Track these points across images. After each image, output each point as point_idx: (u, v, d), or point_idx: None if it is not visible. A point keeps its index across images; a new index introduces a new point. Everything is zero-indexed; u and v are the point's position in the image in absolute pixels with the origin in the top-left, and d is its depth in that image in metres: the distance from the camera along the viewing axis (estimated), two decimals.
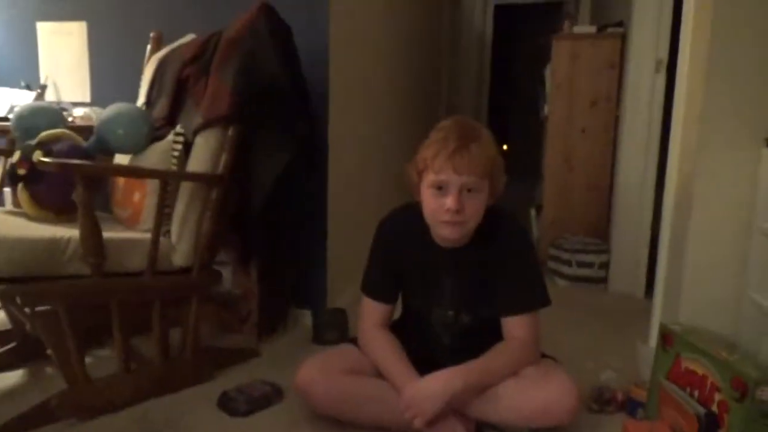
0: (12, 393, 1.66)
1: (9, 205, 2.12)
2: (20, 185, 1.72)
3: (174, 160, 1.77)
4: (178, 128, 1.82)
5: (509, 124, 6.80)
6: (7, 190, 2.23)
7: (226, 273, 2.06)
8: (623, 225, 2.84)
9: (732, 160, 1.54)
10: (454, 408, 1.37)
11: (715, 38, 1.55)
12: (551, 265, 2.98)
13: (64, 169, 1.44)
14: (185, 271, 1.71)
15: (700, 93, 1.60)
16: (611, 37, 3.00)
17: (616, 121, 2.98)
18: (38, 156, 1.62)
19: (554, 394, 1.34)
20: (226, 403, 1.58)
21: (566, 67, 3.08)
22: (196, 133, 1.76)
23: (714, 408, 1.23)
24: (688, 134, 1.73)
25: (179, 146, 1.78)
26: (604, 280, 2.89)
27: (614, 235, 2.89)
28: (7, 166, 1.83)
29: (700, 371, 1.28)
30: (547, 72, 3.30)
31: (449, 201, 1.31)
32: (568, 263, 2.89)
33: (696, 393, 1.29)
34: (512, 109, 6.93)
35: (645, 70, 2.71)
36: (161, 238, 1.60)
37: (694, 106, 1.66)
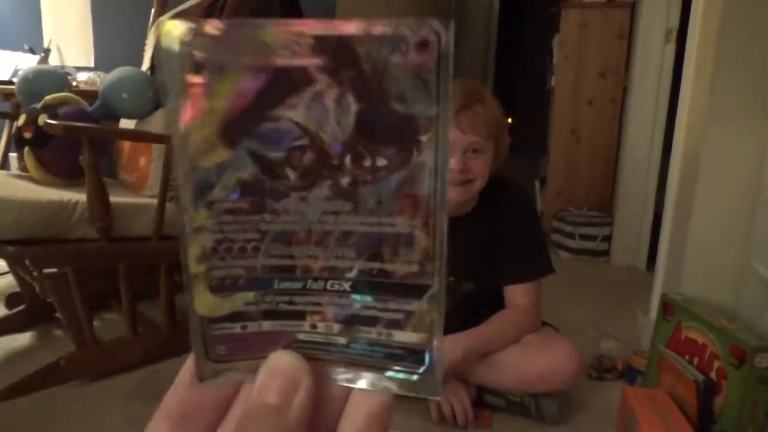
0: (21, 354, 1.69)
1: (15, 169, 2.13)
2: (26, 149, 1.72)
3: None
4: None
5: (515, 97, 6.74)
6: (13, 154, 2.23)
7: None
8: (628, 198, 2.84)
9: (740, 131, 1.53)
10: (456, 374, 1.39)
11: (727, 7, 1.52)
12: (554, 237, 2.99)
13: (71, 132, 1.44)
14: None
15: (711, 63, 1.58)
16: (621, 6, 2.95)
17: (624, 92, 2.95)
18: (44, 119, 1.61)
19: (558, 358, 1.36)
20: None
21: (575, 37, 3.04)
22: None
23: (713, 375, 1.24)
24: (696, 104, 1.71)
25: None
26: (606, 252, 2.90)
27: (618, 207, 2.89)
28: (13, 130, 1.83)
29: (699, 339, 1.30)
30: (555, 42, 3.25)
31: (453, 161, 1.30)
32: (572, 236, 2.90)
33: (695, 360, 1.30)
34: (518, 81, 6.86)
35: (655, 40, 2.67)
36: (167, 203, 1.61)
37: (704, 77, 1.64)
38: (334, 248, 0.20)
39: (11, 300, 1.92)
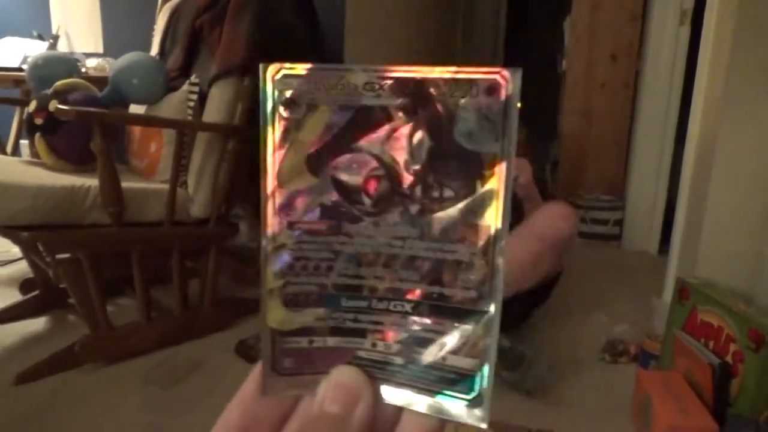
0: (36, 339, 1.71)
1: (26, 155, 2.14)
2: (37, 135, 1.72)
3: (189, 111, 1.76)
4: (193, 78, 1.81)
5: (525, 80, 6.65)
6: (24, 141, 2.24)
7: (242, 227, 2.07)
8: (640, 182, 2.82)
9: (757, 114, 1.51)
10: None
11: None
12: None
13: (83, 117, 1.44)
14: (203, 222, 1.72)
15: (728, 45, 1.55)
16: None
17: (637, 75, 2.91)
18: (55, 105, 1.61)
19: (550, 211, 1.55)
20: (245, 351, 1.62)
21: (586, 19, 2.99)
22: (211, 83, 1.74)
23: (729, 358, 1.23)
24: (712, 87, 1.69)
25: (194, 97, 1.77)
26: (618, 237, 2.88)
27: (630, 191, 2.87)
28: (24, 116, 1.83)
29: (715, 323, 1.29)
30: (567, 25, 3.21)
31: None
32: (583, 220, 2.88)
33: (711, 344, 1.29)
34: (528, 64, 6.77)
35: (669, 22, 2.62)
36: (178, 189, 1.61)
37: (721, 59, 1.61)
38: (400, 271, 0.21)
39: (25, 286, 1.94)
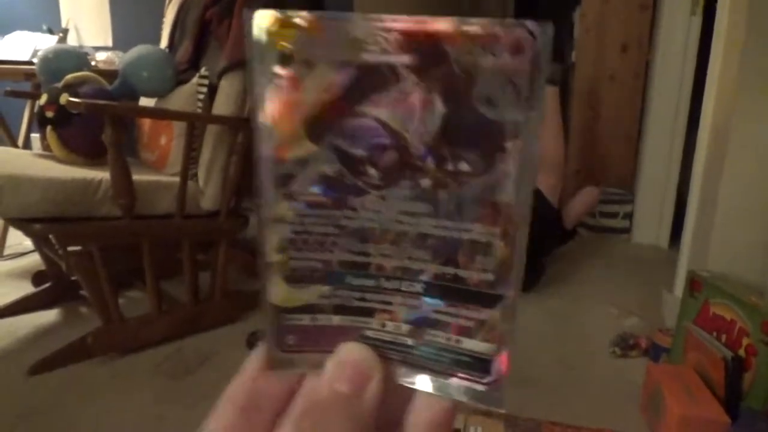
0: (48, 331, 1.72)
1: (37, 149, 2.15)
2: (48, 128, 1.73)
3: (199, 104, 1.76)
4: (203, 71, 1.81)
5: None
6: (35, 135, 2.25)
7: (252, 220, 2.08)
8: (650, 175, 2.80)
9: None
10: None
11: None
12: None
13: (94, 110, 1.44)
14: (213, 215, 1.73)
15: (741, 35, 1.53)
16: None
17: (648, 67, 2.88)
18: (66, 98, 1.62)
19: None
20: (255, 343, 1.63)
21: (596, 10, 2.97)
22: (220, 75, 1.74)
23: (741, 352, 1.23)
24: (725, 78, 1.67)
25: (204, 89, 1.77)
26: (627, 230, 2.86)
27: (640, 185, 2.85)
28: (35, 109, 1.84)
29: (728, 316, 1.28)
30: (576, 16, 3.18)
31: None
32: (592, 214, 2.87)
33: (723, 337, 1.29)
34: None
35: (680, 12, 2.60)
36: (189, 182, 1.61)
37: (734, 49, 1.59)
38: (409, 249, 0.20)
39: (37, 278, 1.95)
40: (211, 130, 1.71)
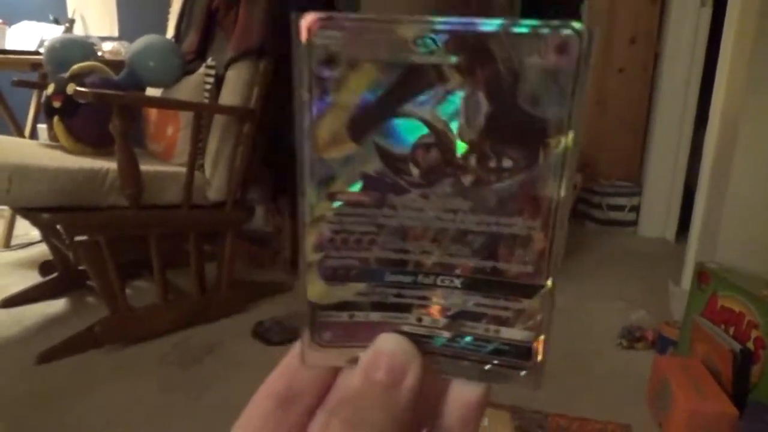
0: (56, 320, 1.73)
1: (44, 139, 2.15)
2: (56, 118, 1.73)
3: (206, 94, 1.76)
4: (210, 61, 1.81)
5: None
6: (42, 126, 2.25)
7: (258, 211, 2.08)
8: (658, 168, 2.78)
9: None
10: None
11: None
12: (581, 208, 2.95)
13: (101, 99, 1.44)
14: (219, 205, 1.73)
15: (753, 27, 1.52)
16: None
17: (656, 59, 2.86)
18: (73, 88, 1.62)
19: None
20: (262, 333, 1.63)
21: (605, 1, 2.94)
22: (227, 66, 1.74)
23: (750, 344, 1.22)
24: (736, 70, 1.65)
25: (211, 79, 1.77)
26: (634, 223, 2.85)
27: (647, 178, 2.83)
28: (42, 99, 1.84)
29: (736, 308, 1.27)
30: (584, 8, 3.16)
31: None
32: (599, 206, 2.86)
33: (732, 330, 1.28)
34: None
35: (689, 4, 2.57)
36: (196, 172, 1.61)
37: (745, 41, 1.58)
38: (449, 246, 0.20)
39: (44, 268, 1.96)
40: (218, 121, 1.71)
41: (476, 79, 0.18)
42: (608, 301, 1.90)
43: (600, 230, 2.85)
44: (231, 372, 1.45)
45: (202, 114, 1.63)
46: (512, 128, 0.18)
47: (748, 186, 1.54)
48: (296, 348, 0.21)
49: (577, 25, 0.17)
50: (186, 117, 1.73)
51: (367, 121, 0.19)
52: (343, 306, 0.21)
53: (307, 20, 0.18)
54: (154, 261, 1.58)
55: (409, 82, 0.18)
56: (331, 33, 0.18)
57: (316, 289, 0.20)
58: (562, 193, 0.19)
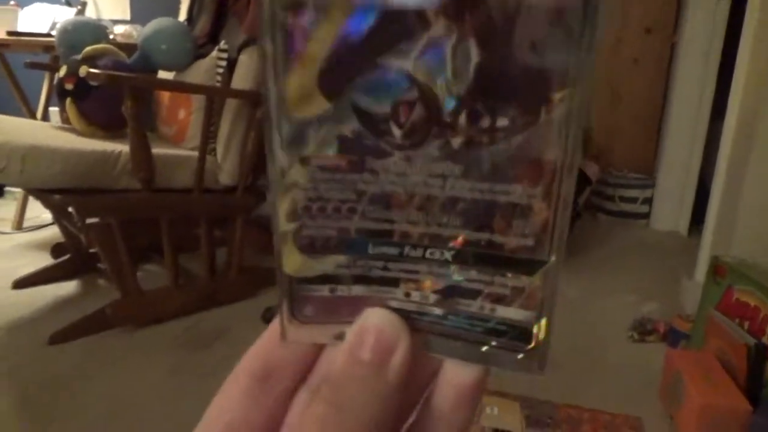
0: (68, 302, 1.74)
1: (56, 122, 2.15)
2: (68, 100, 1.72)
3: (218, 78, 1.75)
4: (222, 45, 1.79)
5: None
6: (53, 109, 2.25)
7: (269, 196, 2.08)
8: (672, 161, 2.75)
9: None
10: None
11: None
12: (593, 200, 2.92)
13: (113, 82, 1.43)
14: (230, 190, 1.73)
15: None
16: None
17: (672, 49, 2.82)
18: (85, 70, 1.61)
19: None
20: (271, 318, 1.63)
21: None
22: (240, 50, 1.73)
23: (765, 339, 1.21)
24: (756, 64, 1.62)
25: (223, 63, 1.76)
26: (646, 215, 2.83)
27: (661, 170, 2.80)
28: (55, 82, 1.84)
29: (752, 303, 1.26)
30: None
31: None
32: (611, 198, 2.83)
33: (746, 324, 1.27)
34: None
35: None
36: (207, 156, 1.61)
37: (766, 31, 1.55)
38: (438, 215, 0.18)
39: (56, 250, 1.97)
40: (230, 105, 1.70)
41: (465, 23, 0.15)
42: (619, 294, 1.88)
43: (612, 222, 2.83)
44: (239, 357, 1.45)
45: (214, 98, 1.62)
46: (508, 81, 0.16)
47: (765, 179, 1.51)
48: (274, 325, 0.20)
49: None
50: (198, 101, 1.72)
51: (341, 76, 0.16)
52: (323, 279, 0.19)
53: None
54: (165, 244, 1.58)
55: (387, 29, 0.16)
56: None
57: (292, 261, 0.18)
58: (569, 156, 0.16)
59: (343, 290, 0.19)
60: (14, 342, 1.51)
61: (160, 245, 1.60)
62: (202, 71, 1.78)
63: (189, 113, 1.76)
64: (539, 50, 0.15)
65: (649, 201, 2.81)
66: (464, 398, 0.18)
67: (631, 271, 2.17)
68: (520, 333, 0.18)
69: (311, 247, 0.18)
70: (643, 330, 1.59)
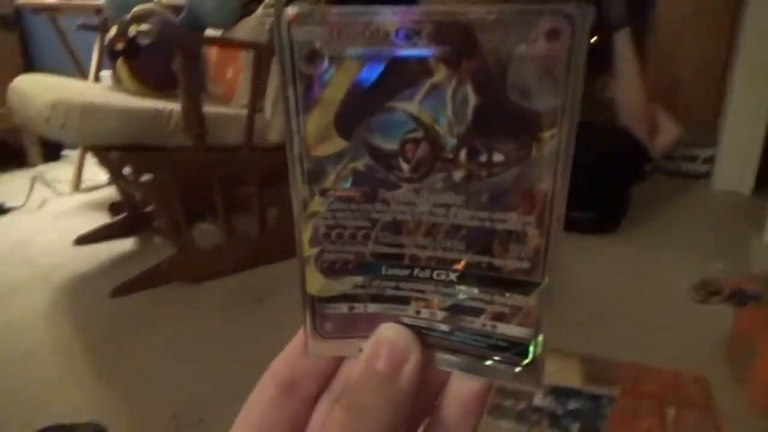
0: (126, 259, 1.79)
1: (108, 83, 2.18)
2: (119, 60, 1.74)
3: (266, 34, 1.73)
4: (267, 1, 1.76)
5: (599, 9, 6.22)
6: (104, 73, 2.29)
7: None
8: (736, 117, 2.59)
9: None
10: None
11: None
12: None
13: (163, 39, 1.43)
14: (280, 148, 1.72)
15: None
16: None
17: None
18: (135, 29, 1.62)
19: None
20: None
21: None
22: (287, 3, 1.69)
23: None
24: None
25: (269, 20, 1.73)
26: (707, 175, 2.69)
27: (725, 128, 2.65)
28: (105, 43, 1.86)
29: None
30: None
31: None
32: (670, 157, 2.70)
33: None
34: None
35: None
36: (256, 114, 1.60)
37: None
38: (443, 240, 0.20)
39: (113, 209, 2.02)
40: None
41: (462, 71, 0.17)
42: (682, 254, 1.81)
43: (671, 182, 2.71)
44: (290, 314, 1.46)
45: (262, 54, 1.60)
46: (502, 122, 0.18)
47: None
48: (299, 335, 0.22)
49: (569, 7, 0.16)
50: (246, 58, 1.71)
51: (354, 117, 0.19)
52: (342, 298, 0.21)
53: (287, 15, 0.18)
54: (218, 202, 1.60)
55: (394, 76, 0.18)
56: (312, 28, 0.18)
57: (315, 282, 0.21)
58: (558, 187, 0.18)
59: (360, 308, 0.21)
60: (77, 296, 1.56)
61: (213, 205, 1.61)
62: (248, 28, 1.76)
63: (237, 72, 1.75)
64: (529, 95, 0.17)
65: (710, 160, 2.68)
66: (469, 408, 0.20)
67: (694, 231, 2.07)
68: (519, 348, 0.20)
69: (331, 270, 0.21)
70: (707, 291, 1.52)
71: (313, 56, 0.18)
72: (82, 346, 1.33)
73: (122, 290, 1.50)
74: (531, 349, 0.20)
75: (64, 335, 1.37)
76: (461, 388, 0.20)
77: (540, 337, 0.20)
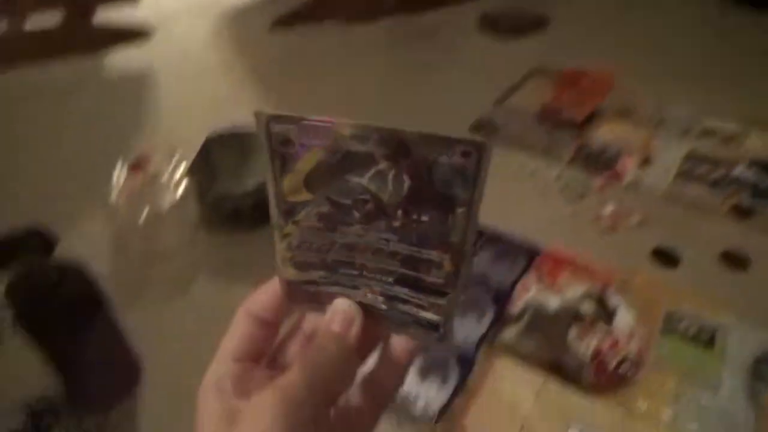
0: None
1: None
2: None
3: None
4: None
5: None
6: None
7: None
8: None
9: None
10: None
11: None
12: None
13: None
14: None
15: None
16: None
17: None
18: None
19: None
20: (490, 23, 1.47)
21: None
22: None
23: None
24: None
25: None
26: None
27: None
28: None
29: None
30: None
31: None
32: None
33: None
34: None
35: None
36: None
37: None
38: (384, 259, 0.27)
39: None
40: None
41: (400, 165, 0.24)
42: None
43: None
44: (452, 57, 1.36)
45: None
46: (428, 199, 0.24)
47: None
48: (270, 283, 0.29)
49: (476, 140, 0.22)
50: None
51: (319, 182, 0.25)
52: (309, 283, 0.29)
53: (263, 118, 0.25)
54: None
55: (349, 162, 0.24)
56: (284, 126, 0.25)
57: (288, 272, 0.28)
58: (467, 240, 0.24)
59: (323, 289, 0.29)
60: (238, 27, 1.55)
61: None
62: None
63: None
64: (449, 186, 0.23)
65: None
66: (404, 355, 0.29)
67: None
68: (433, 326, 0.27)
69: (301, 266, 0.28)
70: None
71: (287, 142, 0.25)
72: (240, 75, 1.33)
73: (281, 22, 1.46)
74: (441, 329, 0.27)
75: (228, 59, 1.39)
76: (400, 343, 0.29)
77: (447, 324, 0.27)
